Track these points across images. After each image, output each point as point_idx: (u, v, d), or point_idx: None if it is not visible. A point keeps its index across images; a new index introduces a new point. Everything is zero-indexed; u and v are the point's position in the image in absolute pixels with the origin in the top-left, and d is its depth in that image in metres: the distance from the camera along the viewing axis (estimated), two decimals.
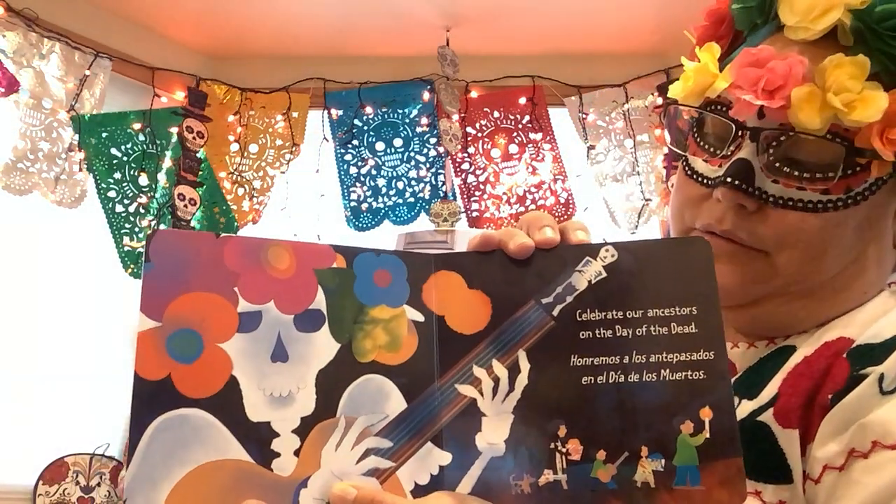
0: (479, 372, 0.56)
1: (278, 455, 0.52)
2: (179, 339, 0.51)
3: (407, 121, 3.04)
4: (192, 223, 2.83)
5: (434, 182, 2.99)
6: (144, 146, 2.82)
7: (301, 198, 2.99)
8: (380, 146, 3.04)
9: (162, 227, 2.81)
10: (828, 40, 0.67)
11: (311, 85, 3.02)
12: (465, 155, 3.02)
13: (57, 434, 2.57)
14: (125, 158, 2.78)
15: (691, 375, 0.54)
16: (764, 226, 0.67)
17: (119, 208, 2.75)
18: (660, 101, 2.90)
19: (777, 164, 0.67)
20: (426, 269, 0.59)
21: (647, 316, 0.56)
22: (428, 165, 3.00)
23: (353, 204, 3.00)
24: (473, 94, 3.03)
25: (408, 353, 0.56)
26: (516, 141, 3.03)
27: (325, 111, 3.03)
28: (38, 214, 2.61)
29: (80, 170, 2.66)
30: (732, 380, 0.71)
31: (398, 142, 3.04)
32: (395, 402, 0.55)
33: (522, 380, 0.56)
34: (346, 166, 3.03)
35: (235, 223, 2.96)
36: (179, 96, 2.94)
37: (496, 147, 3.03)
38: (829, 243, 0.67)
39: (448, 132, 2.92)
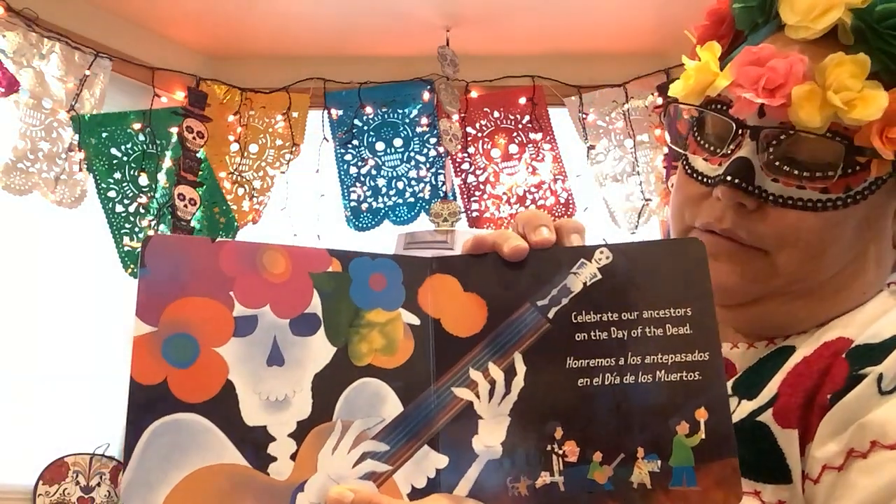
0: (475, 375, 0.56)
1: (275, 459, 0.52)
2: (175, 343, 0.51)
3: (407, 121, 3.04)
4: (192, 223, 2.83)
5: (434, 182, 2.99)
6: (144, 146, 2.82)
7: (301, 198, 2.98)
8: (380, 146, 3.04)
9: (162, 227, 2.81)
10: (828, 39, 0.67)
11: (311, 85, 3.02)
12: (465, 155, 3.02)
13: (57, 434, 2.57)
14: (125, 158, 2.78)
15: (686, 376, 0.54)
16: (764, 224, 0.67)
17: (119, 208, 2.75)
18: (660, 101, 2.90)
19: (777, 163, 0.67)
20: (422, 272, 0.59)
21: (641, 317, 0.56)
22: (428, 165, 3.00)
23: (353, 204, 3.00)
24: (473, 94, 3.03)
25: (404, 357, 0.56)
26: (516, 141, 3.03)
27: (325, 111, 3.03)
28: (38, 214, 2.61)
29: (80, 170, 2.66)
30: (732, 380, 0.71)
31: (398, 142, 3.04)
32: (392, 406, 0.55)
33: (518, 382, 0.56)
34: (346, 166, 3.03)
35: (235, 223, 2.96)
36: (179, 96, 2.94)
37: (496, 147, 3.03)
38: (828, 242, 0.67)
39: (448, 132, 2.92)
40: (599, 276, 0.57)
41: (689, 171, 0.73)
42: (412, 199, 3.00)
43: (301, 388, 0.53)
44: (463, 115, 3.01)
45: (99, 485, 2.58)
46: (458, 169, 3.01)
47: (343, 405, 0.54)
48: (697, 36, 0.78)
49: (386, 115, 3.05)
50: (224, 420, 0.51)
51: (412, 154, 3.03)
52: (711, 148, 0.71)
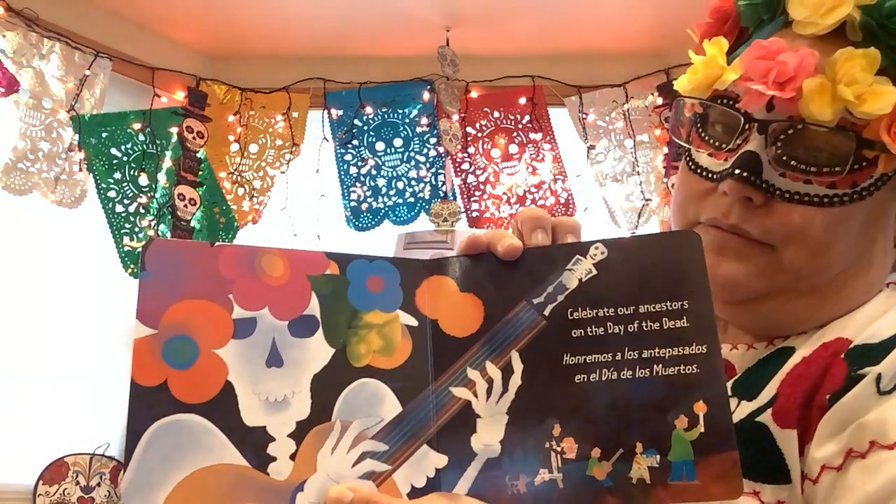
0: (472, 374, 0.56)
1: (274, 459, 0.52)
2: (175, 345, 0.52)
3: (407, 121, 3.04)
4: (192, 223, 2.83)
5: (434, 182, 3.00)
6: (144, 146, 2.82)
7: (301, 198, 2.99)
8: (380, 146, 3.05)
9: (162, 227, 2.81)
10: (836, 36, 0.67)
11: (311, 85, 3.02)
12: (465, 155, 3.02)
13: (57, 434, 2.57)
14: (125, 158, 2.78)
15: (684, 370, 0.54)
16: (770, 220, 0.67)
17: (119, 208, 2.75)
18: (660, 101, 2.90)
19: (785, 157, 0.67)
20: (418, 274, 0.59)
21: (638, 312, 0.56)
22: (428, 165, 3.01)
23: (353, 204, 3.00)
24: (473, 94, 3.03)
25: (402, 358, 0.57)
26: (516, 141, 3.03)
27: (325, 111, 3.03)
28: (38, 214, 2.61)
29: (80, 170, 2.66)
30: (731, 381, 0.71)
31: (398, 142, 3.04)
32: (390, 406, 0.55)
33: (516, 380, 0.56)
34: (346, 166, 3.03)
35: (235, 223, 2.96)
36: (179, 96, 2.94)
37: (496, 147, 3.04)
38: (834, 239, 0.67)
39: (448, 132, 2.92)
40: (595, 272, 0.57)
41: (692, 166, 0.73)
42: (412, 199, 3.00)
43: (300, 389, 0.54)
44: (463, 115, 3.01)
45: (99, 485, 2.58)
46: (458, 169, 3.02)
47: (342, 405, 0.54)
48: (700, 34, 0.77)
49: (386, 115, 3.05)
50: (224, 421, 0.52)
51: (412, 154, 3.03)
52: (716, 143, 0.71)
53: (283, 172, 3.02)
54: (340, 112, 3.03)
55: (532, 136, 3.02)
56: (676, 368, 0.54)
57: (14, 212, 2.57)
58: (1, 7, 2.46)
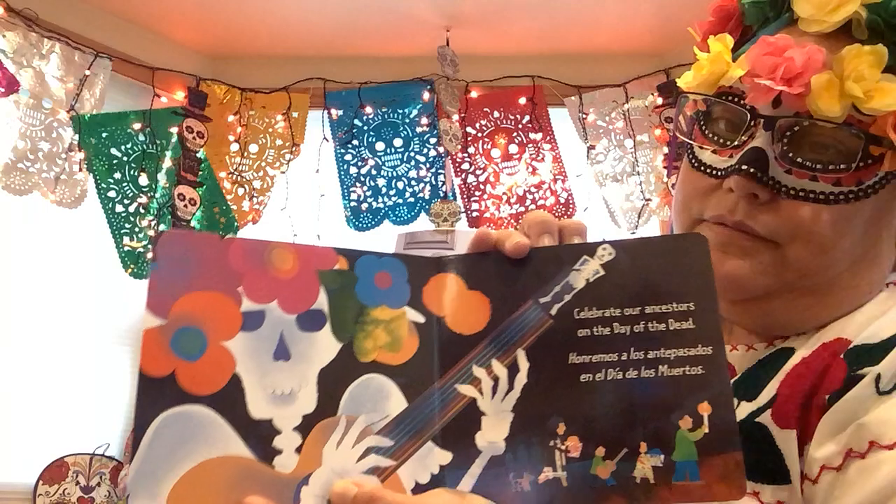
0: (478, 372, 0.56)
1: (280, 452, 0.52)
2: (184, 336, 0.52)
3: (407, 121, 3.04)
4: (192, 223, 2.83)
5: (434, 182, 3.00)
6: (144, 146, 2.82)
7: (301, 198, 2.99)
8: (380, 146, 3.05)
9: (161, 227, 2.81)
10: (841, 34, 0.67)
11: (311, 85, 3.02)
12: (465, 155, 3.02)
13: (57, 434, 2.57)
14: (125, 158, 2.78)
15: (689, 371, 0.54)
16: (776, 217, 0.67)
17: (119, 208, 2.75)
18: (660, 101, 2.90)
19: (791, 154, 0.67)
20: (426, 271, 0.59)
21: (644, 312, 0.56)
22: (428, 165, 3.01)
23: (353, 204, 3.00)
24: (473, 94, 3.03)
25: (408, 354, 0.57)
26: (516, 141, 3.03)
27: (325, 111, 3.03)
28: (38, 214, 2.61)
29: (80, 170, 2.66)
30: (731, 381, 0.70)
31: (398, 142, 3.04)
32: (396, 402, 0.55)
33: (522, 379, 0.56)
34: (346, 166, 3.03)
35: (235, 223, 2.96)
36: (179, 96, 2.94)
37: (496, 147, 3.04)
38: (839, 236, 0.67)
39: (448, 132, 2.92)
40: (602, 273, 0.57)
41: (695, 163, 0.73)
42: (412, 199, 3.00)
43: (307, 383, 0.54)
44: (463, 115, 3.02)
45: (99, 485, 2.58)
46: (458, 169, 3.02)
47: (348, 400, 0.54)
48: (702, 33, 0.77)
49: (386, 115, 3.05)
50: (230, 412, 0.52)
51: (412, 154, 3.03)
52: (720, 140, 0.71)
53: (283, 172, 3.02)
54: (340, 112, 3.04)
55: (532, 136, 3.02)
56: (682, 369, 0.54)
57: (14, 212, 2.57)
58: (1, 7, 2.46)
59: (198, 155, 2.89)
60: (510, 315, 0.57)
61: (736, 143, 0.69)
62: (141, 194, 2.78)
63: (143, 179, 2.79)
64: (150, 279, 0.53)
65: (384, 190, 3.01)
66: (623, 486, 0.53)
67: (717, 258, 0.67)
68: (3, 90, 2.43)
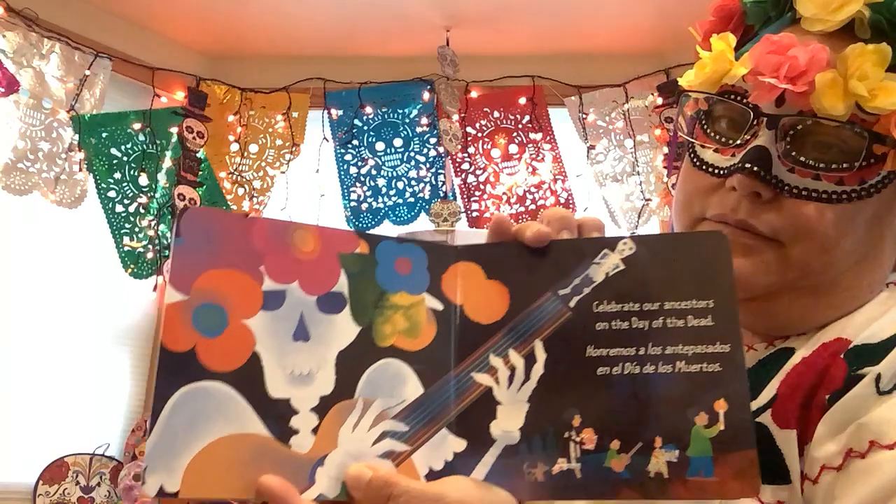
0: (495, 361, 0.56)
1: (297, 432, 0.52)
2: (205, 312, 0.52)
3: (407, 121, 3.05)
4: None
5: (434, 182, 3.00)
6: (144, 146, 2.82)
7: (301, 198, 2.99)
8: (380, 146, 3.05)
9: (162, 227, 2.81)
10: (843, 33, 0.67)
11: (311, 85, 3.02)
12: (465, 155, 3.02)
13: (57, 434, 2.57)
14: (125, 158, 2.78)
15: (707, 367, 0.54)
16: (779, 215, 0.67)
17: (119, 208, 2.75)
18: (660, 101, 2.91)
19: (794, 153, 0.67)
20: (446, 258, 0.59)
21: (663, 308, 0.56)
22: (428, 165, 3.01)
23: (353, 204, 3.00)
24: (473, 94, 3.03)
25: (426, 340, 0.57)
26: (516, 141, 3.04)
27: (325, 111, 3.03)
28: (38, 214, 2.61)
29: (80, 170, 2.66)
30: None
31: (398, 142, 3.04)
32: (413, 388, 0.55)
33: (538, 369, 0.56)
34: (346, 166, 3.03)
35: None
36: (179, 96, 2.95)
37: (496, 147, 3.04)
38: (842, 235, 0.67)
39: (448, 132, 2.92)
40: (622, 267, 0.57)
41: (697, 162, 0.73)
42: (412, 199, 3.00)
43: (325, 365, 0.54)
44: (463, 115, 3.02)
45: (99, 485, 2.58)
46: (458, 169, 3.02)
47: (365, 384, 0.54)
48: (703, 32, 0.77)
49: (386, 115, 3.05)
50: (249, 390, 0.52)
51: (412, 154, 3.03)
52: (722, 139, 0.71)
53: (283, 172, 3.02)
54: (340, 112, 3.04)
55: (532, 136, 3.02)
56: (699, 366, 0.54)
57: (14, 212, 2.57)
58: (1, 7, 2.46)
59: (198, 155, 2.89)
60: (528, 306, 0.57)
61: (738, 141, 0.69)
62: (141, 194, 2.78)
63: (143, 179, 2.79)
64: (172, 254, 0.53)
65: (384, 190, 3.02)
66: (637, 479, 0.52)
67: None
68: (3, 90, 2.43)
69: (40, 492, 2.47)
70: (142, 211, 2.78)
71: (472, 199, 3.00)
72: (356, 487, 0.51)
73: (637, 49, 2.98)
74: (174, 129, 2.84)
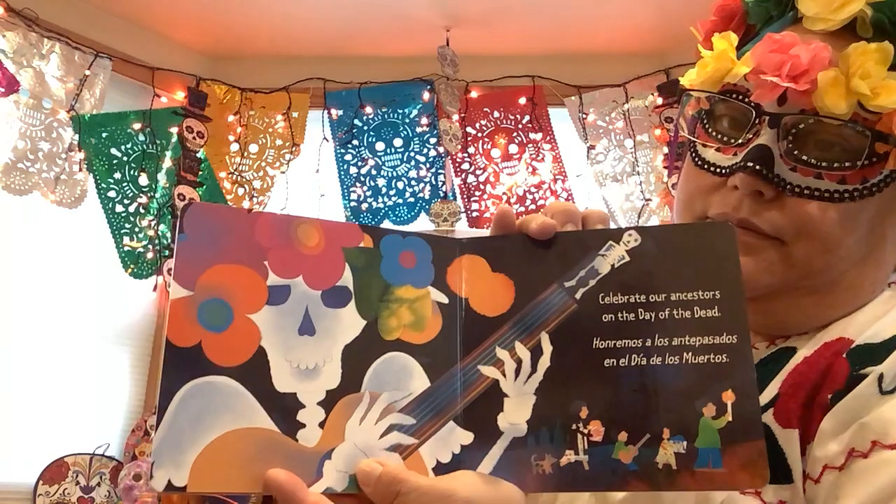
0: (501, 353, 0.56)
1: (304, 426, 0.52)
2: (210, 308, 0.52)
3: (407, 121, 3.05)
4: None
5: (434, 182, 3.00)
6: (144, 146, 2.82)
7: (301, 198, 2.99)
8: (380, 146, 3.05)
9: (162, 227, 2.81)
10: (846, 32, 0.67)
11: (311, 85, 3.02)
12: (465, 155, 3.02)
13: (57, 434, 2.57)
14: (125, 158, 2.78)
15: (714, 359, 0.54)
16: (781, 214, 0.67)
17: (119, 208, 2.75)
18: (660, 101, 2.91)
19: (796, 151, 0.67)
20: (451, 252, 0.59)
21: (669, 299, 0.56)
22: (428, 165, 3.01)
23: (353, 204, 3.00)
24: (473, 94, 3.03)
25: (432, 334, 0.57)
26: (516, 141, 3.04)
27: (325, 111, 3.03)
28: (38, 214, 2.61)
29: (80, 170, 2.66)
30: None
31: (398, 142, 3.05)
32: (419, 381, 0.55)
33: (545, 361, 0.56)
34: (346, 166, 3.03)
35: None
36: (179, 96, 2.95)
37: (496, 147, 3.04)
38: (845, 234, 0.67)
39: (448, 132, 2.92)
40: (627, 259, 0.57)
41: (698, 162, 0.73)
42: (412, 199, 3.00)
43: (331, 359, 0.54)
44: (463, 115, 3.02)
45: (99, 485, 2.58)
46: (458, 169, 3.02)
47: (371, 377, 0.55)
48: (705, 32, 0.77)
49: (386, 115, 3.05)
50: (255, 385, 0.52)
51: (412, 154, 3.03)
52: (724, 138, 0.71)
53: (283, 172, 3.02)
54: (340, 112, 3.04)
55: (532, 136, 3.02)
56: (706, 357, 0.54)
57: (14, 212, 2.57)
58: (1, 7, 2.46)
59: (198, 155, 2.89)
60: (534, 298, 0.57)
61: (740, 140, 0.69)
62: (141, 194, 2.78)
63: (143, 179, 2.79)
64: (176, 250, 0.53)
65: (384, 190, 3.02)
66: (645, 471, 0.52)
67: None
68: (3, 90, 2.43)
69: (40, 492, 2.47)
70: (142, 211, 2.78)
71: (472, 199, 3.00)
72: (366, 483, 0.51)
73: (637, 49, 2.99)
74: (174, 129, 2.84)
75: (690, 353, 0.54)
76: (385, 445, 0.53)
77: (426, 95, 3.00)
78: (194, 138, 2.86)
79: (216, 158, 2.99)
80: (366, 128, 3.05)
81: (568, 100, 3.02)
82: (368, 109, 3.03)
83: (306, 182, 3.00)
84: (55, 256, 2.65)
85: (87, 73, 2.68)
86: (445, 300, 0.58)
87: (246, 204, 2.99)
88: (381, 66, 3.02)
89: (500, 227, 0.61)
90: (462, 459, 0.54)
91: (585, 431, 0.54)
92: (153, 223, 2.79)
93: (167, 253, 2.79)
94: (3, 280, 2.54)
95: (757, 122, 0.68)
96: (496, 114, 3.06)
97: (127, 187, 2.77)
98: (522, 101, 3.03)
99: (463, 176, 3.02)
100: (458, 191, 3.00)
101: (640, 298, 0.56)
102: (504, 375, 0.56)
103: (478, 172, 3.02)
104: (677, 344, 0.55)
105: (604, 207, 2.96)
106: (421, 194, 2.99)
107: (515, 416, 0.55)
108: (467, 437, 0.55)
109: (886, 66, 0.64)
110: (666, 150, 2.88)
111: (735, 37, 0.72)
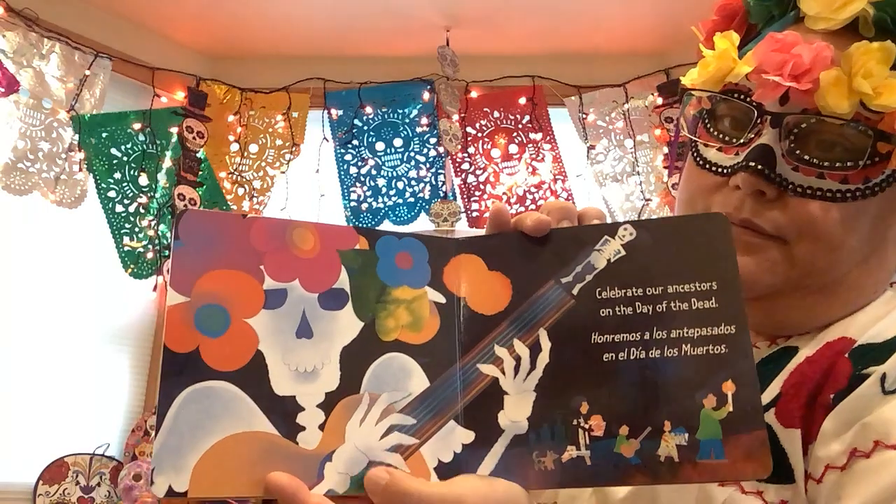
0: (500, 351, 0.56)
1: (303, 429, 0.52)
2: (207, 313, 0.52)
3: (407, 121, 3.05)
4: None
5: (434, 182, 3.00)
6: (144, 146, 2.82)
7: (301, 198, 2.99)
8: (380, 146, 3.05)
9: (162, 227, 2.81)
10: (848, 31, 0.67)
11: (311, 85, 3.03)
12: (465, 155, 3.02)
13: (57, 434, 2.57)
14: (125, 158, 2.78)
15: (713, 350, 0.54)
16: (783, 214, 0.67)
17: (119, 208, 2.75)
18: (660, 101, 2.91)
19: (798, 151, 0.66)
20: (447, 251, 0.59)
21: (667, 292, 0.56)
22: (428, 165, 3.01)
23: (353, 204, 3.00)
24: (473, 94, 3.04)
25: (430, 334, 0.57)
26: (516, 141, 3.04)
27: (325, 111, 3.03)
28: (38, 214, 2.61)
29: (80, 170, 2.66)
30: None
31: (398, 142, 3.05)
32: (418, 381, 0.55)
33: (544, 358, 0.56)
34: (346, 166, 3.03)
35: None
36: (179, 96, 2.95)
37: (496, 147, 3.04)
38: (847, 234, 0.66)
39: (448, 132, 2.92)
40: (623, 253, 0.57)
41: (700, 161, 0.73)
42: (412, 199, 3.00)
43: (329, 361, 0.54)
44: (463, 115, 3.02)
45: (99, 485, 2.58)
46: (458, 169, 3.02)
47: (370, 378, 0.55)
48: (706, 31, 0.77)
49: (386, 115, 3.05)
50: (254, 389, 0.52)
51: (412, 154, 3.03)
52: (726, 138, 0.71)
53: (283, 172, 3.02)
54: (340, 112, 3.04)
55: (532, 136, 3.02)
56: (705, 348, 0.54)
57: (14, 212, 2.57)
58: (1, 7, 2.46)
59: (198, 155, 2.89)
60: (531, 295, 0.57)
61: (742, 140, 0.69)
62: (141, 194, 2.78)
63: (143, 179, 2.79)
64: (172, 257, 0.53)
65: (384, 190, 3.02)
66: (647, 464, 0.52)
67: None
68: (3, 90, 2.43)
69: (40, 492, 2.47)
70: (142, 211, 2.78)
71: (472, 199, 3.00)
72: (374, 492, 0.51)
73: (637, 49, 2.99)
74: (174, 129, 2.84)
75: (689, 345, 0.54)
76: (386, 446, 0.53)
77: (426, 95, 3.00)
78: (194, 138, 2.86)
79: (216, 158, 2.99)
80: (366, 128, 3.05)
81: (568, 100, 3.02)
82: (368, 109, 3.03)
83: (306, 182, 3.00)
84: (55, 256, 2.65)
85: (87, 73, 2.68)
86: (443, 300, 0.58)
87: (246, 204, 2.99)
88: (381, 66, 3.02)
89: (495, 225, 0.61)
90: (464, 459, 0.54)
91: (586, 426, 0.54)
92: (153, 223, 2.79)
93: (167, 253, 2.79)
94: (3, 280, 2.53)
95: (759, 121, 0.68)
96: (496, 114, 3.06)
97: (127, 187, 2.77)
98: (522, 101, 3.03)
99: (463, 176, 3.02)
100: (458, 191, 3.00)
101: (637, 292, 0.56)
102: (503, 373, 0.56)
103: (478, 172, 3.03)
104: (676, 336, 0.55)
105: (604, 207, 2.96)
106: (421, 194, 2.99)
107: (516, 413, 0.55)
108: (468, 436, 0.55)
109: (889, 66, 0.64)
110: (666, 150, 2.88)
111: (737, 36, 0.72)
